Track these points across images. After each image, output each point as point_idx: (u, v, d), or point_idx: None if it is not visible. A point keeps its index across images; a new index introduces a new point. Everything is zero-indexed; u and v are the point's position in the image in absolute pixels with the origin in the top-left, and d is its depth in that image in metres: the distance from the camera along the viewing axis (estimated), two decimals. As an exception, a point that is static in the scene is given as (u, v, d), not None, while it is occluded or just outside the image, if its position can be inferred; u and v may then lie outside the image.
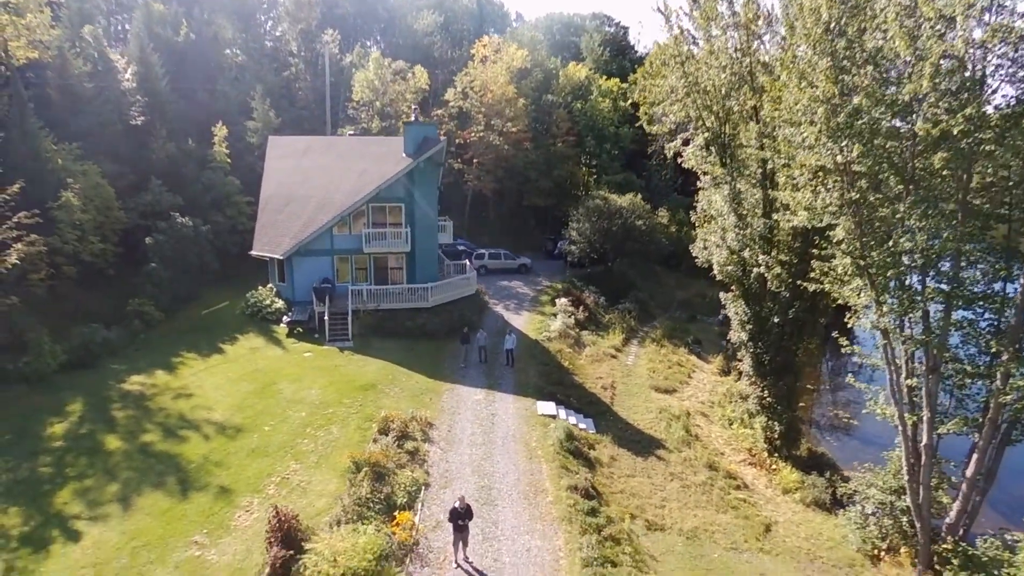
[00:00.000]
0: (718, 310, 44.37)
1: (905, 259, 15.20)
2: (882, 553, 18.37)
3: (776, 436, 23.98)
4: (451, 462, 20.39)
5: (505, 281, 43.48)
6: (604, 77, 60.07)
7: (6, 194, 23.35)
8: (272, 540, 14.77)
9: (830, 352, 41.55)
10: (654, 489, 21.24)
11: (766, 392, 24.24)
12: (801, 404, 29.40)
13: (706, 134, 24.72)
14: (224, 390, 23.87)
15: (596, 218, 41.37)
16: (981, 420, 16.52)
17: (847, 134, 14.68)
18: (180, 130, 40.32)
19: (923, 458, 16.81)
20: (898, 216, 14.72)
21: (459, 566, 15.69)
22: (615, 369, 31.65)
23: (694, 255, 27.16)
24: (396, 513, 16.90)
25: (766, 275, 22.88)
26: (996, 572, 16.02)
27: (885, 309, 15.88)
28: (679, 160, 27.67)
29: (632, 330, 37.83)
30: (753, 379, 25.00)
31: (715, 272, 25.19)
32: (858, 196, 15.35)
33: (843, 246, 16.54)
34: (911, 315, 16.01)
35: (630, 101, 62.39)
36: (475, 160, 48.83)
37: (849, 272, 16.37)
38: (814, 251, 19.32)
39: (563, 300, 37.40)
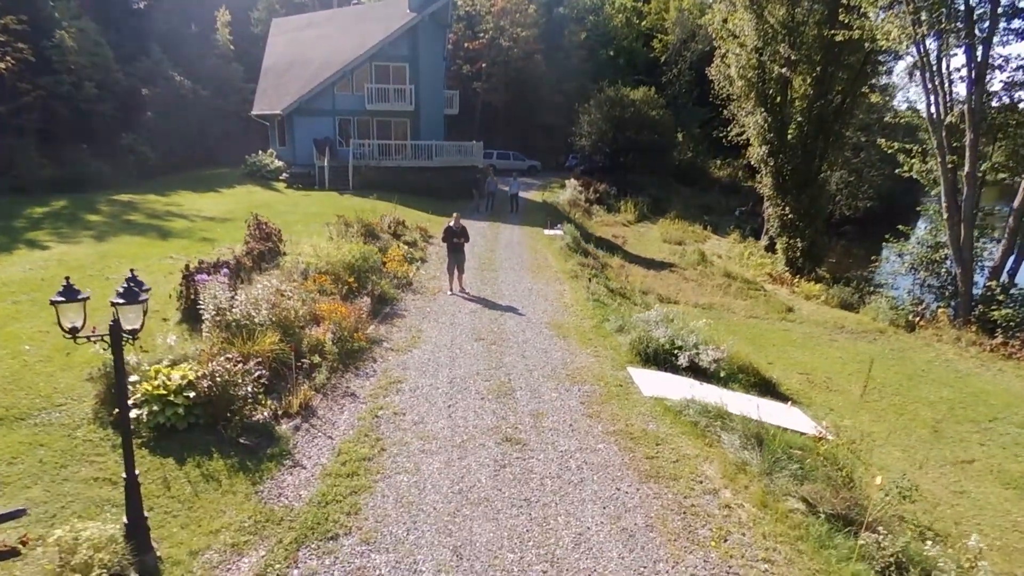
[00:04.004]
0: (735, 209, 43.11)
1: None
2: (919, 320, 16.84)
3: (798, 255, 22.49)
4: (450, 251, 19.18)
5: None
6: (618, -5, 58.67)
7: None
8: (251, 239, 13.63)
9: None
10: (666, 285, 19.87)
11: (787, 210, 22.73)
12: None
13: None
14: (216, 207, 22.79)
15: (608, 107, 39.89)
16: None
17: None
18: (182, 17, 39.47)
19: (965, 191, 15.31)
20: None
21: (454, 294, 14.45)
22: (626, 232, 30.27)
23: (710, 77, 25.66)
24: (389, 252, 15.75)
25: (788, 75, 21.41)
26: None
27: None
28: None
29: (644, 215, 36.31)
30: (774, 199, 23.48)
31: (732, 75, 23.63)
32: None
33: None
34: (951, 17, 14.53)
35: (644, 22, 61.05)
36: (483, 65, 47.57)
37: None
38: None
39: (573, 181, 36.09)
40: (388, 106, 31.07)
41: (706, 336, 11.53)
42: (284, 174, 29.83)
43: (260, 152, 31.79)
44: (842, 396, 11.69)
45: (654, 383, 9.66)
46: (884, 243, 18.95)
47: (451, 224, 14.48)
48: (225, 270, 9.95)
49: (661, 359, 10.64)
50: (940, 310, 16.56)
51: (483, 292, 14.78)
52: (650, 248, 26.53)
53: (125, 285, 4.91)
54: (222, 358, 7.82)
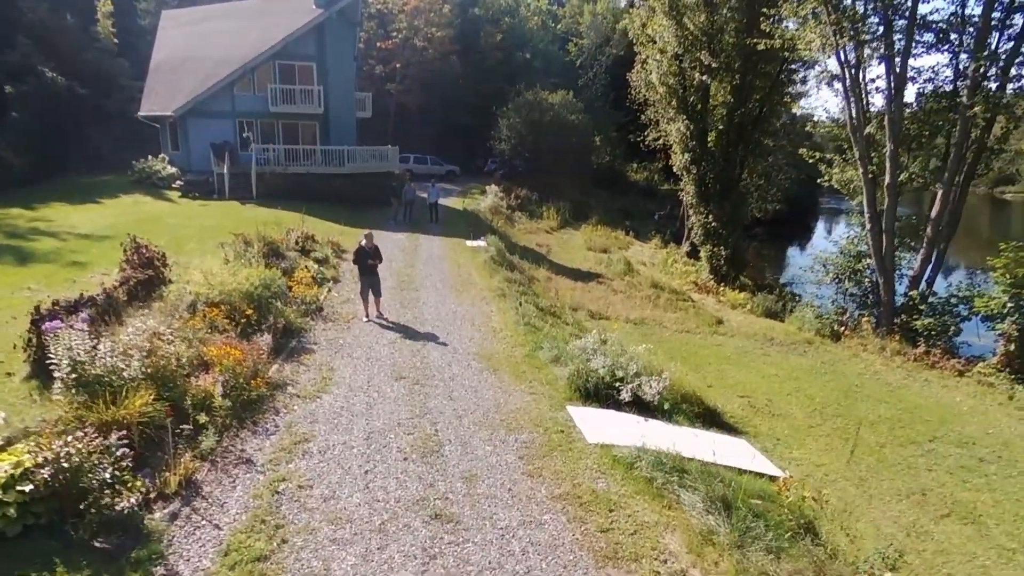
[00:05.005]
0: (654, 213, 43.55)
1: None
2: (843, 329, 16.90)
3: (722, 263, 22.45)
4: (366, 268, 17.66)
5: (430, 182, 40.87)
6: (534, -2, 58.29)
7: None
8: (127, 266, 11.69)
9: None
10: (595, 298, 19.19)
11: (711, 217, 22.66)
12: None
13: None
14: (95, 221, 20.16)
15: (527, 111, 39.21)
16: (945, 148, 15.31)
17: None
18: (56, 5, 35.43)
19: (886, 200, 15.41)
20: None
21: (371, 321, 13.06)
22: (550, 240, 29.59)
23: (630, 83, 25.35)
24: (295, 274, 14.13)
25: (708, 82, 21.29)
26: (962, 311, 14.90)
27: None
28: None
29: (567, 221, 35.86)
30: (697, 207, 23.38)
31: (654, 81, 23.32)
32: None
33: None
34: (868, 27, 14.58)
35: (559, 25, 61.01)
36: (397, 66, 45.77)
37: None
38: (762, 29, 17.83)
39: (494, 187, 35.14)
40: (294, 108, 28.97)
41: (646, 362, 10.74)
42: (178, 181, 27.15)
43: (150, 157, 28.84)
44: (786, 421, 11.22)
45: (598, 425, 8.73)
46: (807, 250, 19.06)
47: (363, 244, 13.08)
48: (84, 313, 8.18)
49: (602, 394, 9.74)
50: (864, 319, 16.72)
51: (403, 317, 13.46)
52: (575, 257, 25.92)
53: None
54: (71, 436, 6.17)
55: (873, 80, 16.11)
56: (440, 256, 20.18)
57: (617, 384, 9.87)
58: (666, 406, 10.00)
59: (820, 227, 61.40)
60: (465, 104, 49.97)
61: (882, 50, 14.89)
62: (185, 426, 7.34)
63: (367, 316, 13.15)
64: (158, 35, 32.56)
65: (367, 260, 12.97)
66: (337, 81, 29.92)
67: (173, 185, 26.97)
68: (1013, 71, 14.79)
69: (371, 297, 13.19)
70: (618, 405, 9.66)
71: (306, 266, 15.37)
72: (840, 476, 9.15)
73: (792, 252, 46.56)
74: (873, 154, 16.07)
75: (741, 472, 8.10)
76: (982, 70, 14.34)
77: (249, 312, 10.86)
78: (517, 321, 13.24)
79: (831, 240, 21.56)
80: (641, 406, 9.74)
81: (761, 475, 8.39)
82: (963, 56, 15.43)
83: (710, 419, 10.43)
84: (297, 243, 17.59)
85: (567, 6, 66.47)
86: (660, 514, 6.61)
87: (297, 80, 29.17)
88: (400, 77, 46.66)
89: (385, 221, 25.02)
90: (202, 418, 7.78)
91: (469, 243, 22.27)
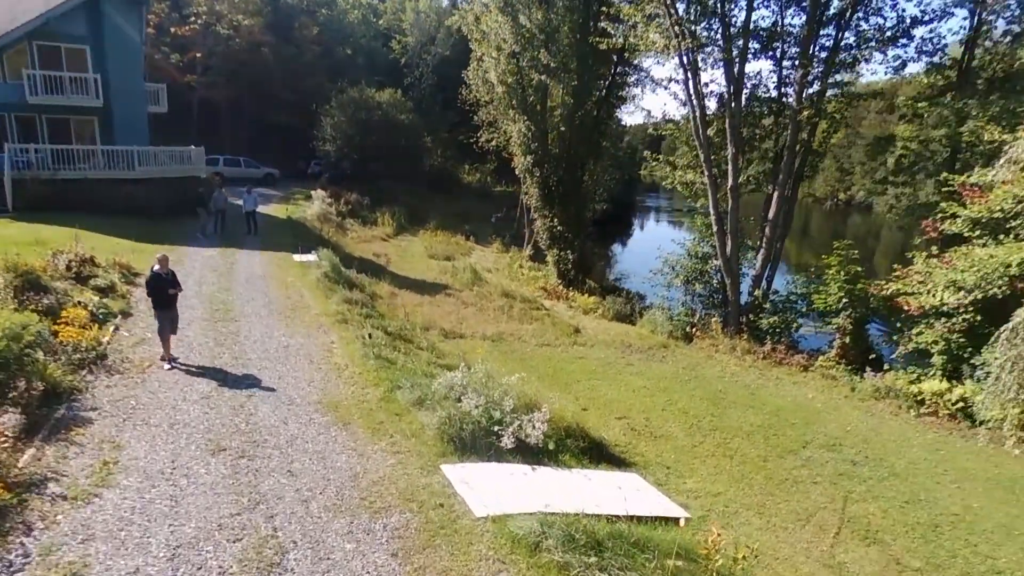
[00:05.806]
0: (490, 216, 42.97)
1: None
2: (695, 331, 17.01)
3: (569, 267, 22.00)
4: (168, 295, 14.41)
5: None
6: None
7: None
8: None
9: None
10: (447, 313, 17.59)
11: (556, 221, 22.12)
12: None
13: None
14: None
15: (353, 110, 36.44)
16: (776, 152, 15.90)
17: None
18: None
19: (729, 203, 15.63)
20: None
21: (174, 366, 10.28)
22: (388, 249, 27.42)
23: (467, 80, 24.11)
24: (64, 312, 10.81)
25: (548, 82, 20.63)
26: (800, 307, 15.59)
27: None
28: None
29: (403, 227, 33.81)
30: (542, 210, 22.73)
31: (492, 80, 22.24)
32: None
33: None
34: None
35: (381, 21, 58.51)
36: (198, 55, 40.41)
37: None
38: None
39: (321, 192, 32.06)
40: (63, 100, 23.75)
41: (520, 393, 9.39)
42: None
43: None
44: (669, 443, 10.49)
45: (484, 488, 7.15)
46: (629, 246, 19.13)
47: (156, 269, 10.26)
48: None
49: (480, 443, 8.19)
50: (712, 319, 16.99)
51: (219, 357, 10.83)
52: (417, 266, 24.09)
53: None
54: None
55: (707, 84, 16.38)
56: (263, 275, 17.32)
57: (496, 428, 8.40)
58: (551, 446, 8.74)
59: (635, 224, 65.99)
60: (283, 101, 45.69)
61: (719, 55, 15.13)
62: None
63: (170, 362, 10.35)
64: None
65: (169, 288, 10.21)
66: (120, 69, 25.14)
67: None
68: (830, 79, 15.84)
69: (170, 336, 10.44)
70: (500, 454, 8.18)
71: (81, 300, 11.95)
72: (741, 506, 8.49)
73: (617, 249, 48.89)
74: (713, 157, 16.36)
75: (656, 524, 7.01)
76: (808, 77, 15.10)
77: (-16, 378, 7.75)
78: (365, 354, 11.23)
79: (645, 231, 22.23)
80: (525, 450, 8.38)
81: (668, 521, 7.39)
82: (786, 63, 16.29)
83: (597, 453, 9.35)
84: (69, 269, 13.85)
85: (388, 2, 64.00)
86: (586, 617, 5.19)
87: (65, 65, 23.97)
88: (202, 68, 41.32)
89: (191, 235, 21.31)
90: None
91: (297, 257, 19.58)
